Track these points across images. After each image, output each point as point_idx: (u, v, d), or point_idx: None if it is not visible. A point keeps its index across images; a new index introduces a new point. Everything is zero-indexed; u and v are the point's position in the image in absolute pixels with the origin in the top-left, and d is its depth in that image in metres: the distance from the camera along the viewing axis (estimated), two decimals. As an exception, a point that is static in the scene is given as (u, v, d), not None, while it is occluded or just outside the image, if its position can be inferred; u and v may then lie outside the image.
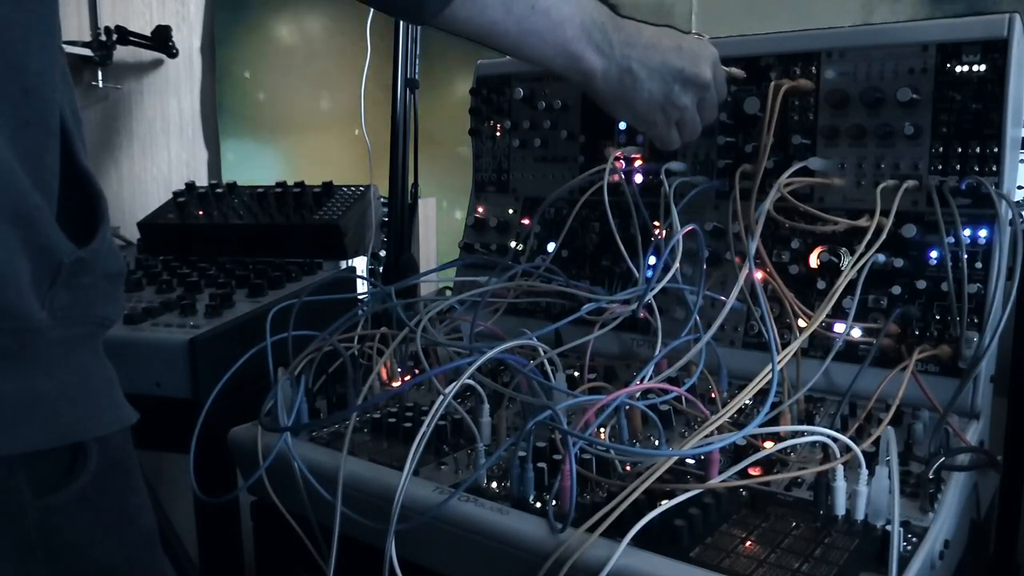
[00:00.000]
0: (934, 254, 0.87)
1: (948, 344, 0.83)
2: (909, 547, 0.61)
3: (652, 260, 0.93)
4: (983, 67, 0.85)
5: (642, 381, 0.81)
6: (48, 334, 0.58)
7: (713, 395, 0.87)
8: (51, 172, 0.59)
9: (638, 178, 1.05)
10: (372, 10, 1.89)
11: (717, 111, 0.96)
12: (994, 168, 0.85)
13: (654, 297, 0.89)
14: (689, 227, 0.89)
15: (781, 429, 0.76)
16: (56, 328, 0.58)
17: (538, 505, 0.69)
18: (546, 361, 0.84)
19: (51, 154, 0.59)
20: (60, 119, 0.61)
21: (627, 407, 0.80)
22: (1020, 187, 0.97)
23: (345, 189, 1.49)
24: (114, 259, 0.65)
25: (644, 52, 0.87)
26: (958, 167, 0.86)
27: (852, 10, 1.69)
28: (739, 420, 0.83)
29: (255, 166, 2.26)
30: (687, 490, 0.65)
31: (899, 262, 0.88)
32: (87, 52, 2.03)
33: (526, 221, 1.18)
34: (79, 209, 0.63)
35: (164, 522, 0.93)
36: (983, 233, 0.84)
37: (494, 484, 0.74)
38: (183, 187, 1.59)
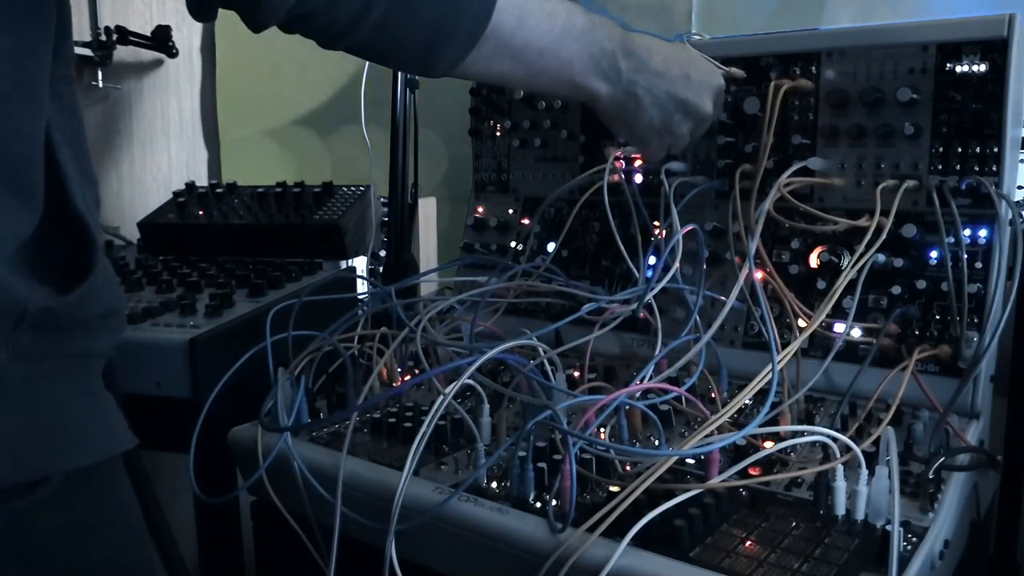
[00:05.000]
0: (934, 254, 0.87)
1: (948, 344, 0.83)
2: (909, 547, 0.61)
3: (652, 260, 0.93)
4: (983, 67, 0.85)
5: (642, 381, 0.81)
6: (7, 372, 0.57)
7: (713, 395, 0.87)
8: (12, 229, 0.58)
9: (638, 178, 1.05)
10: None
11: (717, 124, 0.97)
12: (994, 168, 0.85)
13: (654, 297, 0.89)
14: (689, 227, 0.89)
15: (781, 429, 0.76)
16: (19, 366, 0.57)
17: (538, 505, 0.69)
18: (546, 361, 0.84)
19: (19, 213, 0.58)
20: (54, 163, 0.61)
21: (627, 407, 0.80)
22: (1020, 187, 0.97)
23: (345, 189, 1.49)
24: (99, 303, 0.64)
25: (651, 80, 0.86)
26: (958, 167, 0.86)
27: (852, 10, 1.69)
28: (739, 420, 0.83)
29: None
30: (687, 490, 0.65)
31: (899, 262, 0.88)
32: (87, 52, 2.03)
33: (526, 221, 1.18)
34: (66, 255, 0.62)
35: (161, 522, 0.92)
36: (983, 233, 0.84)
37: (494, 484, 0.74)
38: (183, 187, 1.58)
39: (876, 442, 0.72)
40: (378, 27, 0.66)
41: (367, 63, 1.64)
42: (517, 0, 0.74)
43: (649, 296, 0.88)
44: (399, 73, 1.45)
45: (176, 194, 1.57)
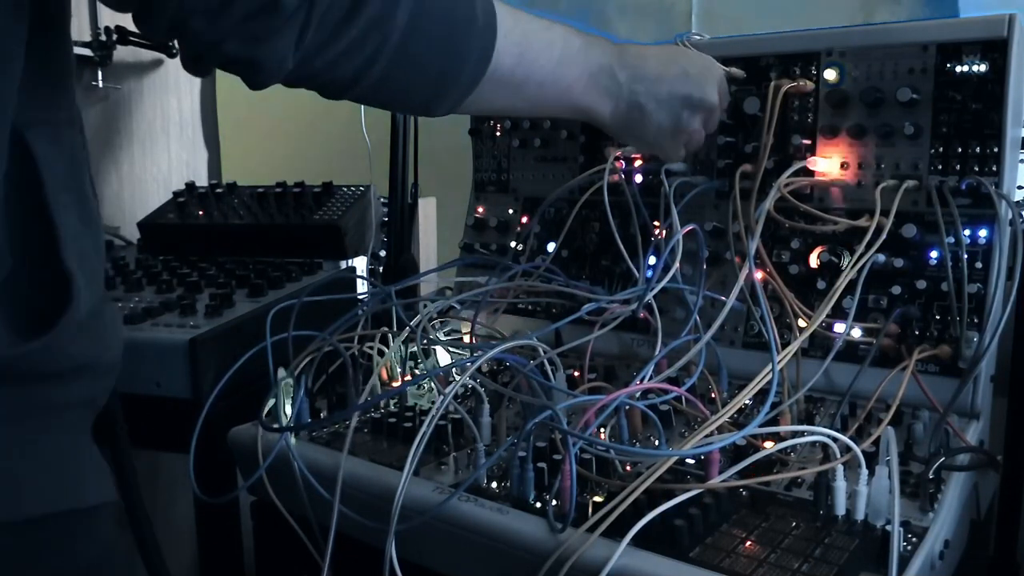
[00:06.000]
0: (934, 254, 0.87)
1: (948, 344, 0.83)
2: (909, 547, 0.61)
3: (652, 260, 0.93)
4: (983, 67, 0.85)
5: (642, 381, 0.81)
6: None
7: (713, 395, 0.87)
8: None
9: (638, 178, 1.05)
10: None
11: (718, 121, 0.96)
12: (994, 168, 0.85)
13: (654, 297, 0.89)
14: (689, 227, 0.89)
15: (781, 429, 0.76)
16: None
17: (538, 505, 0.69)
18: (546, 361, 0.84)
19: None
20: (47, 218, 0.60)
21: (627, 407, 0.80)
22: (1020, 187, 0.97)
23: (345, 189, 1.49)
24: (68, 357, 0.61)
25: (651, 85, 0.85)
26: (958, 167, 0.86)
27: (852, 10, 1.69)
28: (739, 420, 0.83)
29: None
30: (687, 490, 0.65)
31: (899, 262, 0.87)
32: (87, 52, 2.03)
33: (525, 219, 1.18)
34: (39, 306, 0.60)
35: (146, 527, 0.91)
36: (983, 233, 0.84)
37: (494, 484, 0.74)
38: (183, 187, 1.58)
39: (876, 442, 0.72)
40: (380, 82, 0.66)
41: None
42: (515, 39, 0.74)
43: (649, 296, 0.88)
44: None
45: (176, 194, 1.57)
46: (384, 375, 0.96)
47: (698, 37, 1.03)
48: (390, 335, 0.95)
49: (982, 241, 0.84)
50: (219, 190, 1.54)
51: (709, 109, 0.91)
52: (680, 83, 0.87)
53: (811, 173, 0.94)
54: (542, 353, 0.84)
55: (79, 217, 0.63)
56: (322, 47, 0.60)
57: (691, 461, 0.74)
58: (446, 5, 0.68)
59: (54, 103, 0.63)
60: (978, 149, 0.85)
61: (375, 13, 0.61)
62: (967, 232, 0.85)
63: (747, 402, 0.83)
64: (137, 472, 0.87)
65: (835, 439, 0.67)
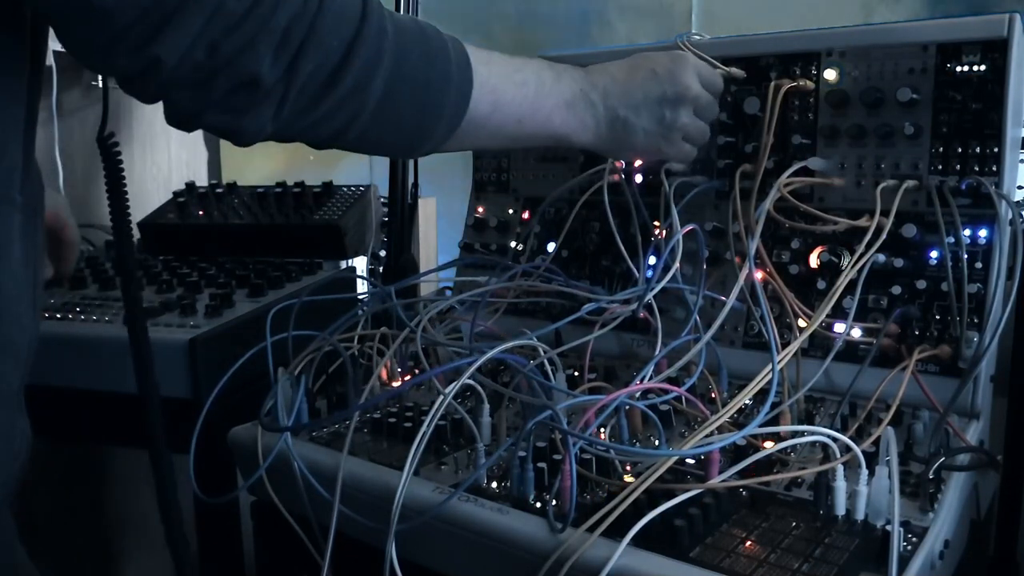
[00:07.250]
0: (934, 254, 0.87)
1: (948, 344, 0.83)
2: (909, 547, 0.61)
3: (652, 260, 0.93)
4: (983, 67, 0.85)
5: (642, 381, 0.81)
6: None
7: (713, 395, 0.87)
8: None
9: (638, 178, 1.05)
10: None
11: (717, 107, 0.96)
12: (994, 168, 0.85)
13: (654, 297, 0.89)
14: (689, 227, 0.89)
15: (781, 429, 0.76)
16: None
17: (538, 505, 0.69)
18: (546, 361, 0.84)
19: None
20: None
21: (627, 407, 0.80)
22: (1020, 187, 0.97)
23: (345, 189, 1.49)
24: None
25: (624, 96, 0.87)
26: (958, 167, 0.86)
27: (852, 10, 1.69)
28: (739, 420, 0.83)
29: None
30: (687, 490, 0.65)
31: (899, 262, 0.88)
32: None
33: (527, 215, 1.18)
34: None
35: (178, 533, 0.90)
36: (983, 233, 0.84)
37: (494, 484, 0.74)
38: (183, 187, 1.58)
39: (876, 442, 0.72)
40: (360, 138, 0.71)
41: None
42: (490, 87, 0.77)
43: (649, 296, 0.88)
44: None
45: (176, 194, 1.57)
46: (384, 375, 0.96)
47: (698, 37, 1.03)
48: (390, 335, 0.95)
49: (982, 241, 0.84)
50: (219, 190, 1.54)
51: (692, 98, 0.90)
52: (651, 84, 0.88)
53: (811, 173, 0.94)
54: (542, 353, 0.84)
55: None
56: (301, 115, 0.65)
57: (691, 461, 0.74)
58: (422, 68, 0.71)
59: None
60: (978, 149, 0.85)
61: (352, 84, 0.65)
62: (967, 232, 0.85)
63: (747, 402, 0.83)
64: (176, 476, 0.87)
65: (835, 439, 0.67)
